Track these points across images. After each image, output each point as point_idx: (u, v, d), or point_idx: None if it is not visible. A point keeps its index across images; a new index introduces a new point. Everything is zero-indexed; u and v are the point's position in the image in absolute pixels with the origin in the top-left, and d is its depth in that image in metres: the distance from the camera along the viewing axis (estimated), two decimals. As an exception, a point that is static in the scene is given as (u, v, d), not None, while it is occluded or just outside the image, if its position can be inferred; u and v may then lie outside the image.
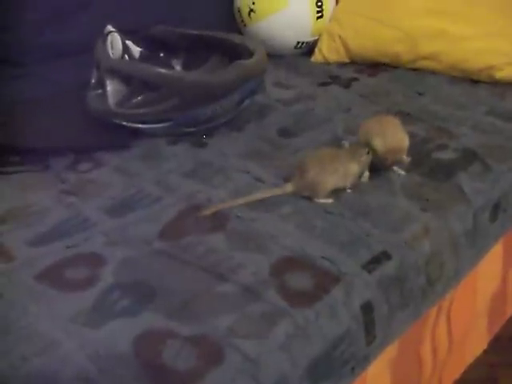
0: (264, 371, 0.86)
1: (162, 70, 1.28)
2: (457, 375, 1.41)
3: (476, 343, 1.47)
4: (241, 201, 1.13)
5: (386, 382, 1.15)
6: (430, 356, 1.26)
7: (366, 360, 1.02)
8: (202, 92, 1.30)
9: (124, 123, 1.32)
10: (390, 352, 1.12)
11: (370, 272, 1.02)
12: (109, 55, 1.32)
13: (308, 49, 1.79)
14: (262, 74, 1.38)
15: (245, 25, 1.78)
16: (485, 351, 1.50)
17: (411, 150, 1.30)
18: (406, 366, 1.20)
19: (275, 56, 1.65)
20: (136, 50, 1.37)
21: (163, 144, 1.34)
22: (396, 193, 1.19)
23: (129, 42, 1.35)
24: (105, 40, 1.32)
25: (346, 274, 1.00)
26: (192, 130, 1.35)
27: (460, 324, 1.31)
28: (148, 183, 1.22)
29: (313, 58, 1.77)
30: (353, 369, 0.99)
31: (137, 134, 1.34)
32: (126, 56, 1.35)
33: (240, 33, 1.77)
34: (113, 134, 1.33)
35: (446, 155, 1.31)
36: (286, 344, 0.89)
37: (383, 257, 1.05)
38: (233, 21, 1.82)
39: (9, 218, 1.13)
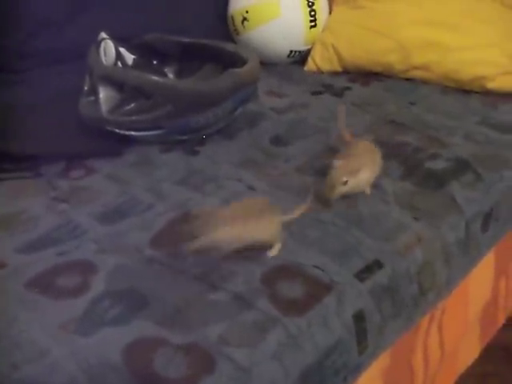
0: (256, 380, 0.85)
1: (155, 78, 1.28)
2: (449, 384, 1.41)
3: (468, 352, 1.47)
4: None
5: (377, 392, 1.15)
6: (422, 365, 1.26)
7: (358, 369, 1.01)
8: (194, 100, 1.30)
9: (116, 130, 1.31)
10: (382, 361, 1.11)
11: (362, 281, 1.02)
12: (102, 62, 1.31)
13: (301, 58, 1.79)
14: (255, 82, 1.38)
15: (238, 33, 1.78)
16: (476, 360, 1.50)
17: (404, 159, 1.31)
18: (398, 375, 1.19)
19: (268, 64, 1.66)
20: (129, 57, 1.36)
21: (155, 151, 1.34)
22: (388, 202, 1.19)
23: (122, 49, 1.35)
24: (98, 47, 1.32)
25: (337, 283, 1.00)
26: (184, 137, 1.35)
27: (452, 333, 1.31)
28: (140, 191, 1.21)
29: (306, 67, 1.78)
30: (345, 378, 0.98)
31: (129, 141, 1.34)
32: (119, 63, 1.34)
33: (233, 41, 1.77)
34: (105, 141, 1.33)
35: (438, 164, 1.31)
36: (278, 353, 0.89)
37: (375, 266, 1.05)
38: (226, 29, 1.82)
39: (-1, 225, 1.13)
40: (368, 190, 1.20)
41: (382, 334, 1.05)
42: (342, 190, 1.14)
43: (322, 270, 1.01)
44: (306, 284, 0.99)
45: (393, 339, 1.10)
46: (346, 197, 1.16)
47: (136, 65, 1.37)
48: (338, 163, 1.14)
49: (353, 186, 1.15)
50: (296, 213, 1.09)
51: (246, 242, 0.99)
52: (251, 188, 1.21)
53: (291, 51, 1.77)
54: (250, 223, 0.99)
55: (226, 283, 0.97)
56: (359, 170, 1.15)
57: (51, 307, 0.93)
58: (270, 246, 1.03)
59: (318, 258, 1.04)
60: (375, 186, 1.23)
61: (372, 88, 1.67)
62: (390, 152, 1.34)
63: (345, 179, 1.13)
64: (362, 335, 1.00)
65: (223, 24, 1.82)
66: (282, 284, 0.98)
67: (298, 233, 1.09)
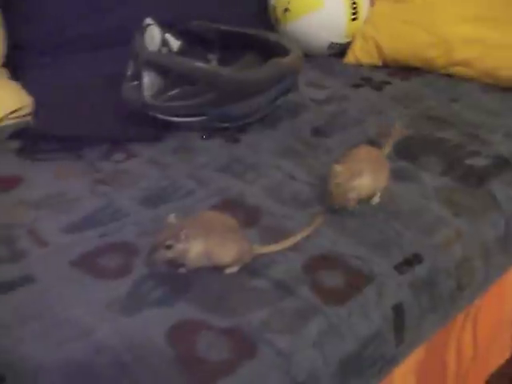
0: (296, 366, 0.86)
1: (201, 64, 1.28)
2: (480, 383, 1.41)
3: (500, 352, 1.46)
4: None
5: (410, 385, 1.16)
6: (455, 362, 1.26)
7: (394, 361, 1.02)
8: (238, 88, 1.30)
9: (158, 116, 1.32)
10: (417, 355, 1.12)
11: (401, 273, 1.02)
12: (147, 47, 1.32)
13: (340, 50, 1.79)
14: (297, 72, 1.39)
15: (279, 23, 1.78)
16: (507, 361, 1.49)
17: (444, 155, 1.31)
18: (430, 370, 1.19)
19: (308, 56, 1.65)
20: (175, 43, 1.36)
21: (196, 138, 1.35)
22: (428, 196, 1.19)
23: (167, 35, 1.35)
24: (143, 32, 1.33)
25: (378, 275, 1.00)
26: (226, 125, 1.35)
27: (485, 331, 1.31)
28: (181, 176, 1.22)
29: (345, 60, 1.77)
30: (381, 369, 0.99)
31: (171, 127, 1.35)
32: (165, 49, 1.35)
33: (273, 31, 1.77)
34: (147, 126, 1.34)
35: (479, 162, 1.30)
36: (319, 341, 0.89)
37: (415, 259, 1.05)
38: (266, 18, 1.83)
39: (43, 205, 1.14)
40: (376, 199, 1.15)
41: (419, 328, 1.05)
42: (352, 195, 1.08)
43: (362, 261, 1.02)
44: (347, 274, 0.99)
45: (429, 334, 1.10)
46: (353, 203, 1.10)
47: (181, 51, 1.38)
48: (339, 168, 1.08)
49: (358, 192, 1.09)
50: (277, 246, 1.02)
51: (212, 262, 0.96)
52: (292, 177, 1.22)
53: (331, 43, 1.76)
54: (220, 242, 0.95)
55: (267, 270, 0.98)
56: (361, 175, 1.09)
57: (95, 287, 0.95)
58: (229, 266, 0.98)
59: (358, 249, 1.04)
60: (415, 180, 1.23)
61: (412, 83, 1.67)
62: (430, 147, 1.35)
63: (351, 183, 1.08)
64: (400, 328, 1.00)
65: (264, 13, 1.82)
66: (323, 273, 0.99)
67: (337, 223, 1.10)
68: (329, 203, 1.11)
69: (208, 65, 1.35)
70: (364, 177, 1.10)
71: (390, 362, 1.01)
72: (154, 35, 1.33)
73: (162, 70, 1.30)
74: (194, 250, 0.93)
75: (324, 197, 1.13)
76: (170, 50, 1.35)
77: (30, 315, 0.89)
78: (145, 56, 1.31)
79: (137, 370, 0.81)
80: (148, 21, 1.34)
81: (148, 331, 0.87)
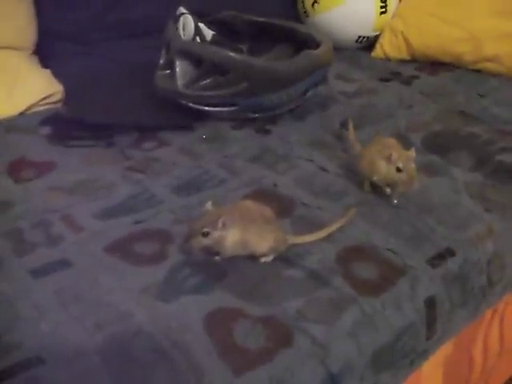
0: (332, 356, 0.86)
1: (234, 54, 1.28)
2: (504, 379, 1.41)
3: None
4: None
5: (438, 379, 1.16)
6: (481, 357, 1.26)
7: (424, 354, 1.02)
8: (270, 79, 1.30)
9: (190, 105, 1.33)
10: (446, 349, 1.12)
11: (434, 267, 1.02)
12: (180, 36, 1.32)
13: (368, 44, 1.79)
14: (329, 64, 1.39)
15: (307, 16, 1.78)
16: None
17: (474, 151, 1.31)
18: (458, 364, 1.19)
19: (336, 49, 1.65)
20: (208, 33, 1.37)
21: (227, 128, 1.36)
22: (459, 191, 1.19)
23: (201, 25, 1.35)
24: (176, 21, 1.33)
25: (411, 268, 1.00)
26: (256, 115, 1.36)
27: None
28: (213, 165, 1.23)
29: (373, 53, 1.77)
30: (412, 362, 0.99)
31: (202, 116, 1.35)
32: (198, 38, 1.35)
33: (301, 23, 1.77)
34: (178, 115, 1.34)
35: (509, 158, 1.30)
36: (354, 331, 0.90)
37: (447, 253, 1.05)
38: (295, 10, 1.82)
39: (76, 191, 1.15)
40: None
41: (450, 322, 1.05)
42: (416, 174, 1.09)
43: (396, 254, 1.02)
44: (380, 266, 0.99)
45: (458, 328, 1.10)
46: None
47: (214, 41, 1.38)
48: (396, 155, 1.08)
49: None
50: (311, 236, 1.02)
51: (248, 251, 0.96)
52: (323, 169, 1.22)
53: (359, 37, 1.76)
54: (256, 231, 0.95)
55: (301, 260, 0.98)
56: (411, 158, 1.09)
57: (131, 272, 0.95)
58: (264, 255, 0.98)
59: (391, 242, 1.04)
60: (445, 174, 1.23)
61: (440, 78, 1.66)
62: (460, 142, 1.35)
63: (410, 165, 1.08)
64: (432, 321, 1.00)
65: (292, 5, 1.82)
66: (356, 264, 0.99)
67: (370, 215, 1.10)
68: (397, 190, 1.12)
69: (241, 55, 1.35)
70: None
71: (421, 355, 1.01)
72: (187, 24, 1.33)
73: (194, 59, 1.30)
74: (231, 238, 0.94)
75: (364, 185, 1.15)
76: (203, 40, 1.35)
77: (68, 299, 0.90)
78: (178, 45, 1.31)
79: (174, 355, 0.82)
80: (181, 10, 1.34)
81: (185, 318, 0.87)
